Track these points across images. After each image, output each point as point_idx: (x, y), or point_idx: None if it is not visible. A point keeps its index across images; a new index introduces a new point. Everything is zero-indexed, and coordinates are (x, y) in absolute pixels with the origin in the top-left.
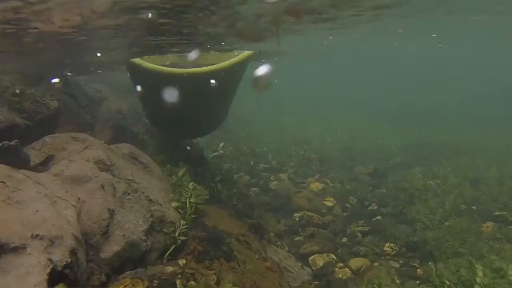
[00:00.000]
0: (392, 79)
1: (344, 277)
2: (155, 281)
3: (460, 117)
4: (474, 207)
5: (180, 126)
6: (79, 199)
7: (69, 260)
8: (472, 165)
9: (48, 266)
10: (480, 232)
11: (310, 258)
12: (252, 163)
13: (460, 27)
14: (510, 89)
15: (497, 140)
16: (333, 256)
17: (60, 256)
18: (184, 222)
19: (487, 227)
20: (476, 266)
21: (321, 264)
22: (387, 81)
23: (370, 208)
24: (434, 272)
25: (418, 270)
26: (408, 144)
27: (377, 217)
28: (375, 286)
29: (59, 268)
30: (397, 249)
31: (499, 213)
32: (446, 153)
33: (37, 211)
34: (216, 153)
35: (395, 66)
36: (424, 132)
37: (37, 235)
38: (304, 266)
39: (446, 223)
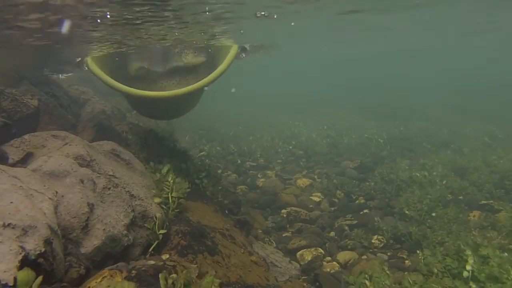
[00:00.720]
0: (375, 75)
1: (332, 271)
2: (133, 271)
3: (444, 110)
4: (460, 197)
5: (160, 115)
6: (56, 193)
7: (43, 250)
8: (458, 155)
9: (20, 253)
10: (467, 221)
11: (298, 253)
12: (239, 161)
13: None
14: (492, 81)
15: (481, 131)
16: (321, 250)
17: (33, 245)
18: (168, 217)
19: (474, 216)
20: (465, 253)
21: (309, 259)
22: (371, 77)
23: (357, 201)
24: (422, 261)
25: (406, 261)
26: (393, 138)
27: (365, 211)
28: (366, 276)
29: (32, 257)
30: (385, 241)
31: (485, 202)
32: (431, 145)
33: (11, 202)
34: (203, 153)
35: (377, 62)
36: (409, 125)
37: (9, 224)
38: (292, 261)
39: (433, 214)
